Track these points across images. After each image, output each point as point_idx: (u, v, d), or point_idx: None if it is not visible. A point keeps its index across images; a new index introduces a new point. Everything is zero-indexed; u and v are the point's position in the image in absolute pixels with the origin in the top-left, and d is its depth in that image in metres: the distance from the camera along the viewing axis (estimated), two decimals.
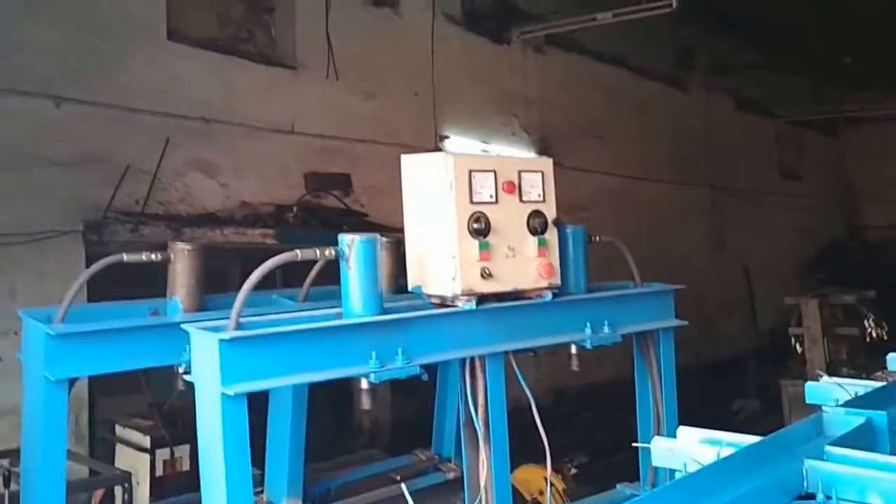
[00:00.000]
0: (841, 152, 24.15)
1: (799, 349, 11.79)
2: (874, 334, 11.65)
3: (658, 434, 4.72)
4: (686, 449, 2.63)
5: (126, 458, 7.19)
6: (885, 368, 8.59)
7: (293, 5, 10.37)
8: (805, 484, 2.36)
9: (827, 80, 20.31)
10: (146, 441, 7.05)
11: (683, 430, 2.74)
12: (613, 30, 12.99)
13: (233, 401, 3.12)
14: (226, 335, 3.15)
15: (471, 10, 12.64)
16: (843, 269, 19.02)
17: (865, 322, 11.78)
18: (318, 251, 3.59)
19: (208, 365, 3.16)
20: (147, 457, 6.98)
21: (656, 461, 2.74)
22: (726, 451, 2.47)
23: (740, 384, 15.14)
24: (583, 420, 12.30)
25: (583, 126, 14.22)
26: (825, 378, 3.50)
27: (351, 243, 3.54)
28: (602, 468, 8.42)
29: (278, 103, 10.01)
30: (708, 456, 2.51)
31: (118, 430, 7.39)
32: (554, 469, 5.10)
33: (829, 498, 2.30)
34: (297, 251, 3.57)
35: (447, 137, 11.96)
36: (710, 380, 13.82)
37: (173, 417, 7.06)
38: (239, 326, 3.28)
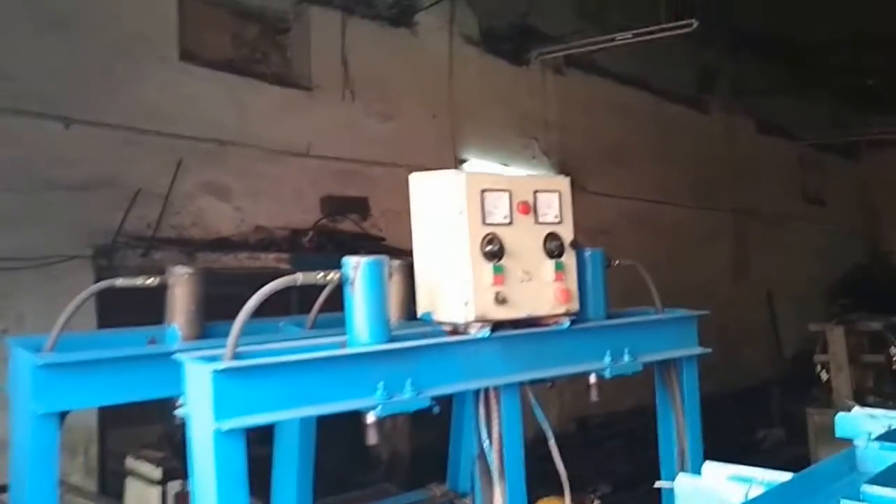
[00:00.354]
0: (864, 176, 23.83)
1: (824, 377, 11.48)
2: None
3: (682, 468, 4.48)
4: (712, 487, 2.43)
5: (136, 491, 6.96)
6: None
7: (308, 26, 10.24)
8: None
9: (850, 102, 20.05)
10: (157, 473, 6.81)
11: (709, 467, 2.53)
12: (634, 51, 12.80)
13: (227, 437, 2.90)
14: (220, 365, 2.94)
15: (489, 31, 12.47)
16: (866, 295, 18.65)
17: (893, 349, 11.47)
18: (319, 275, 3.38)
19: (201, 398, 2.95)
20: (158, 489, 6.74)
21: (681, 501, 2.52)
22: (756, 490, 2.32)
23: (764, 412, 14.82)
24: (606, 449, 12.06)
25: (603, 149, 14.01)
26: (856, 408, 3.26)
27: (356, 266, 3.33)
28: (626, 498, 8.17)
29: (293, 125, 9.85)
30: (736, 495, 2.35)
31: (128, 461, 7.17)
32: (576, 501, 4.85)
33: None
34: (299, 275, 3.37)
35: (466, 160, 11.77)
36: (733, 408, 13.53)
37: (185, 448, 6.82)
38: (236, 356, 3.08)
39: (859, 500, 2.24)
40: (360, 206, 10.45)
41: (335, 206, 10.22)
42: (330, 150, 10.18)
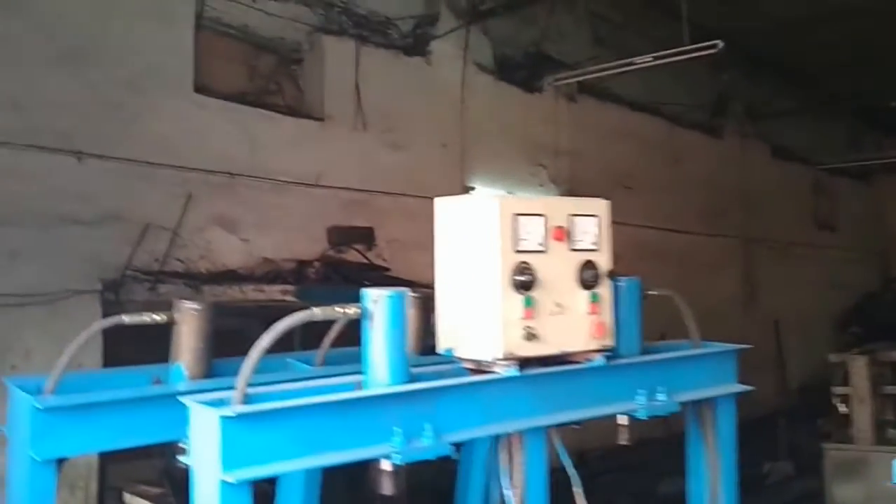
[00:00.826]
0: (878, 201, 23.58)
1: (842, 409, 11.16)
2: None
3: None
4: None
5: None
6: None
7: (322, 56, 10.12)
8: None
9: (864, 126, 19.86)
10: None
11: None
12: (648, 77, 12.59)
13: (235, 489, 2.66)
14: (229, 411, 2.70)
15: (503, 59, 12.34)
16: (879, 324, 18.33)
17: None
18: (339, 309, 3.15)
19: (208, 446, 2.71)
20: None
21: None
22: None
23: (771, 445, 14.46)
24: (605, 483, 11.72)
25: (614, 176, 13.80)
26: None
27: (377, 300, 3.11)
28: None
29: (304, 156, 9.74)
30: None
31: (126, 498, 6.94)
32: None
33: None
34: (316, 310, 3.14)
35: (473, 188, 11.60)
36: (738, 440, 13.17)
37: (185, 484, 6.57)
38: (246, 399, 2.84)
39: None
40: (365, 237, 10.31)
41: (341, 236, 10.09)
42: (339, 180, 10.04)
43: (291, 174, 9.56)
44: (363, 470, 3.17)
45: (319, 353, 4.25)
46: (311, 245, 9.76)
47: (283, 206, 9.50)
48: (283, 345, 3.29)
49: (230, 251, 9.06)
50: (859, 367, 10.90)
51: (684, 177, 15.54)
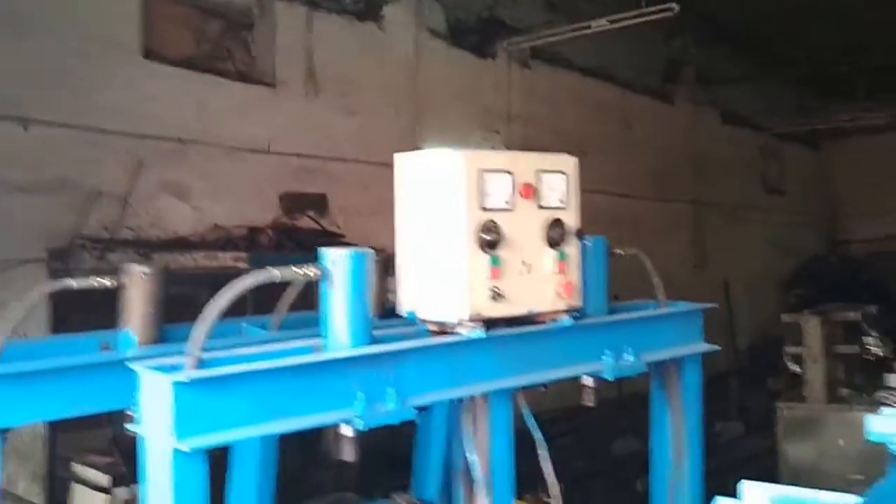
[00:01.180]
0: (825, 166, 23.84)
1: (794, 369, 11.28)
2: (877, 352, 11.16)
3: (678, 477, 4.14)
4: None
5: (83, 498, 6.57)
6: (885, 387, 8.08)
7: (273, 21, 9.96)
8: None
9: (813, 92, 19.99)
10: (104, 480, 6.40)
11: (749, 488, 2.19)
12: (601, 43, 12.53)
13: (189, 458, 2.52)
14: (182, 376, 2.56)
15: (455, 25, 12.23)
16: (822, 286, 18.59)
17: (868, 340, 11.30)
18: (298, 270, 3.00)
19: (160, 413, 2.56)
20: (105, 497, 6.32)
21: None
22: None
23: (722, 405, 14.58)
24: (561, 446, 11.69)
25: (566, 141, 13.71)
26: (887, 410, 2.98)
27: (337, 259, 2.96)
28: (579, 497, 7.79)
29: (255, 122, 9.61)
30: None
31: (75, 467, 6.76)
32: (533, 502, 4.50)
33: None
34: (276, 270, 3.00)
35: None
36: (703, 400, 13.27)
37: (134, 452, 6.40)
38: (200, 364, 2.70)
39: None
40: (318, 203, 10.21)
41: (294, 203, 9.97)
42: (291, 146, 9.94)
43: (243, 140, 9.42)
44: (319, 436, 3.05)
45: (275, 318, 4.10)
46: (263, 212, 9.65)
47: (234, 172, 9.37)
48: (236, 311, 3.15)
49: (181, 218, 8.92)
50: (813, 327, 11.00)
51: (636, 142, 15.58)
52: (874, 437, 2.81)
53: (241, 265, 8.66)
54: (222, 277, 3.00)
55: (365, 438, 3.02)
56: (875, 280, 19.67)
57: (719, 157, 18.18)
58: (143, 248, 8.39)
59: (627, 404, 9.16)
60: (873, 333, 11.33)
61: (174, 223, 8.86)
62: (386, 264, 3.97)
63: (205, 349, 2.76)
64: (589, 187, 12.74)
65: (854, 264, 22.16)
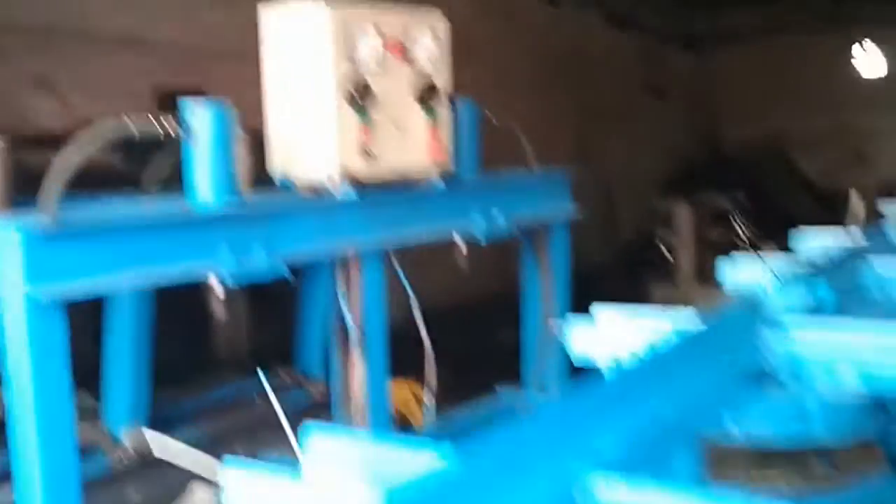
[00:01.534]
0: (708, 69, 24.21)
1: (668, 256, 11.67)
2: (746, 238, 11.61)
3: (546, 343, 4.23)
4: (609, 333, 2.12)
5: None
6: None
7: None
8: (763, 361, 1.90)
9: None
10: None
11: (601, 309, 2.22)
12: None
13: (44, 309, 2.42)
14: (31, 222, 2.44)
15: None
16: (699, 186, 19.16)
17: (736, 226, 11.75)
18: (158, 123, 2.88)
19: (10, 263, 2.45)
20: None
21: (577, 354, 2.21)
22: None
23: (599, 299, 14.97)
24: (446, 337, 11.85)
25: (452, 37, 13.57)
26: (739, 253, 3.04)
27: (199, 112, 2.85)
28: (467, 382, 7.95)
29: (125, 12, 9.06)
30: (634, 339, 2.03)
31: None
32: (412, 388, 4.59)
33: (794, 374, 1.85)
34: (132, 124, 2.87)
35: None
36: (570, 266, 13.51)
37: None
38: (56, 220, 2.58)
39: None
40: (193, 96, 9.85)
41: (168, 97, 9.58)
42: (164, 37, 9.46)
43: (112, 32, 8.98)
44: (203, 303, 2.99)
45: (146, 189, 3.98)
46: (136, 106, 9.27)
47: (105, 65, 8.96)
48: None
49: (49, 114, 8.51)
50: (683, 212, 11.39)
51: (518, 45, 15.44)
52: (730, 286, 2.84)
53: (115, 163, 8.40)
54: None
55: (257, 332, 2.94)
56: (745, 174, 20.31)
57: (601, 59, 18.23)
58: (10, 145, 8.06)
59: (513, 299, 9.30)
60: (742, 220, 11.80)
61: (42, 119, 8.44)
62: (259, 135, 3.87)
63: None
64: (469, 90, 12.60)
65: (727, 164, 22.82)
